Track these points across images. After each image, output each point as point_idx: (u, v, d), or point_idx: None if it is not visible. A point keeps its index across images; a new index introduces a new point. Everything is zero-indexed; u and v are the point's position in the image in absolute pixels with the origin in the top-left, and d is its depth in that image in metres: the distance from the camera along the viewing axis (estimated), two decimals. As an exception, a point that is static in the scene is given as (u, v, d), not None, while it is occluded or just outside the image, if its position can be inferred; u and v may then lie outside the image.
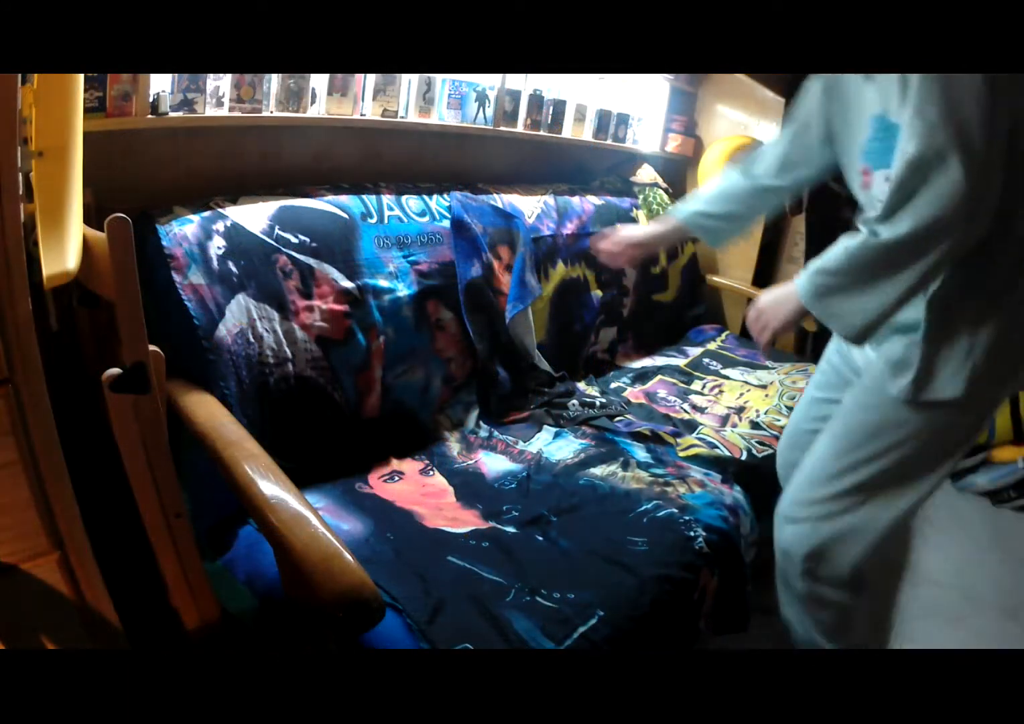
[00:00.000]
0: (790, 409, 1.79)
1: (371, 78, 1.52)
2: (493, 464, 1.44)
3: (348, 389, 1.35)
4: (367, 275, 1.40)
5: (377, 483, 1.32)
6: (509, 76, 1.79)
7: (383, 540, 1.13)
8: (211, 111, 1.30)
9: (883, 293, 0.94)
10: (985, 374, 1.00)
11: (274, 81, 1.37)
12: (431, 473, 1.38)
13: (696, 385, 1.97)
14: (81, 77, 0.81)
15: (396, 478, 1.35)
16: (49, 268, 0.71)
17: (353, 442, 1.36)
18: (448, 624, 0.95)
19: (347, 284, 1.35)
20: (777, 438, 1.66)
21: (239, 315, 1.20)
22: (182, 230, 1.18)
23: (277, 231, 1.29)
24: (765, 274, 2.58)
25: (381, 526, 1.16)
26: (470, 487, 1.35)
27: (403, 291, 1.45)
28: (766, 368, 2.13)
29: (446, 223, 1.60)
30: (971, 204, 0.86)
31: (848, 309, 0.98)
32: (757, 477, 1.48)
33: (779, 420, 1.76)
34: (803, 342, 2.57)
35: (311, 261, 1.32)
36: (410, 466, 1.40)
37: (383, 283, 1.42)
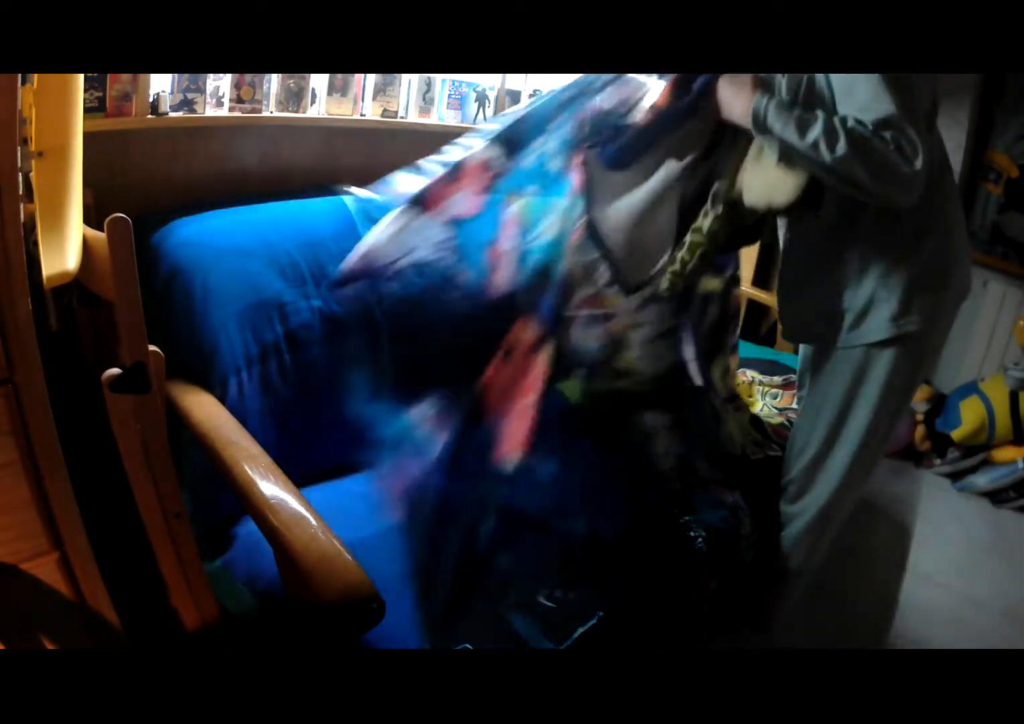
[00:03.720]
0: (779, 410, 1.79)
1: (371, 78, 1.52)
2: None
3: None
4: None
5: None
6: (509, 76, 1.79)
7: None
8: (211, 111, 1.30)
9: None
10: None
11: (274, 81, 1.37)
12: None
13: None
14: (81, 77, 0.82)
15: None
16: (49, 268, 0.71)
17: None
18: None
19: None
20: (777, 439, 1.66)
21: None
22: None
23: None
24: (765, 274, 2.58)
25: None
26: None
27: None
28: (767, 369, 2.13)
29: None
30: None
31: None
32: (757, 477, 1.48)
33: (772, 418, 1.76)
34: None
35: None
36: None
37: None
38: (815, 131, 1.00)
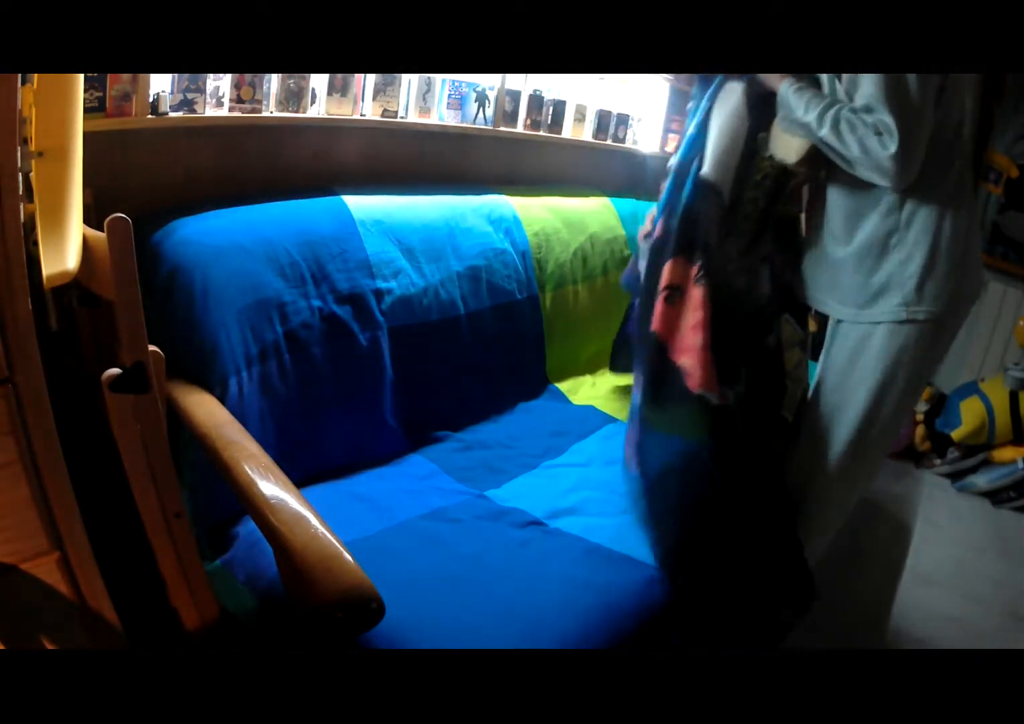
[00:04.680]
0: None
1: (371, 78, 1.52)
2: None
3: None
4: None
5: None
6: (509, 76, 1.80)
7: None
8: (211, 111, 1.30)
9: None
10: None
11: (274, 81, 1.37)
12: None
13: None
14: (81, 77, 0.81)
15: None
16: (49, 268, 0.71)
17: None
18: None
19: None
20: None
21: None
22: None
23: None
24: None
25: None
26: None
27: None
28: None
29: None
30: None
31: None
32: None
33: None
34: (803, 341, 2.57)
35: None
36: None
37: None
38: (813, 112, 1.15)
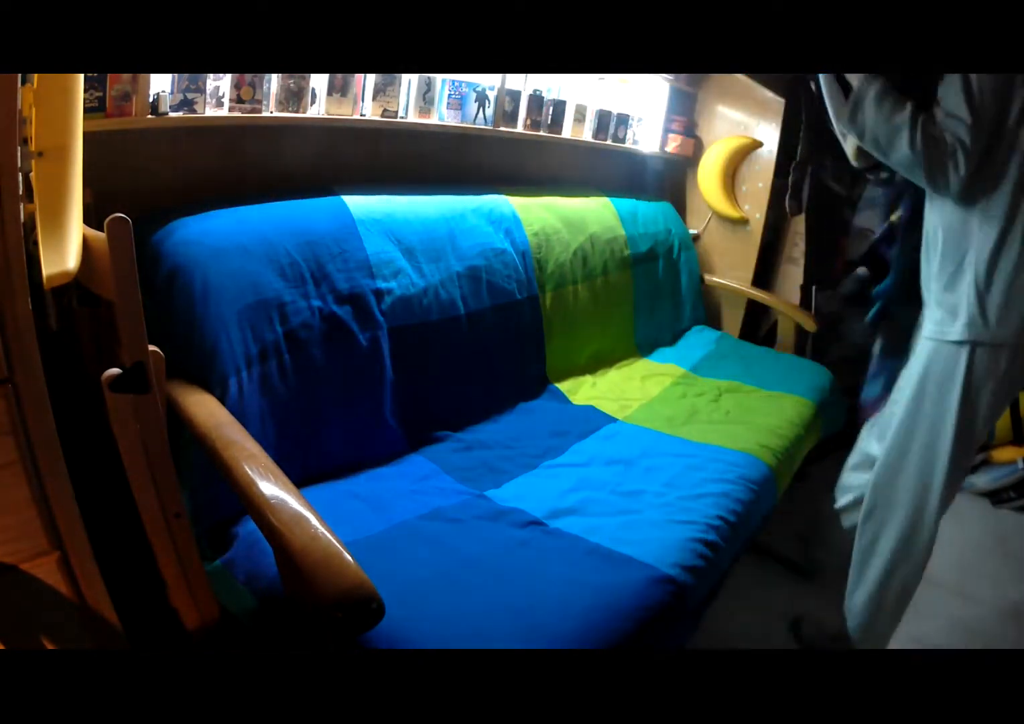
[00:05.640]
0: None
1: (371, 78, 1.52)
2: None
3: None
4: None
5: None
6: (509, 76, 1.79)
7: None
8: (211, 111, 1.29)
9: None
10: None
11: (274, 81, 1.37)
12: None
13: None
14: (81, 77, 0.81)
15: None
16: (49, 268, 0.71)
17: None
18: None
19: None
20: None
21: None
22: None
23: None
24: (765, 274, 2.58)
25: None
26: None
27: None
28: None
29: None
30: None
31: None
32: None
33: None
34: (803, 342, 2.57)
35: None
36: None
37: None
38: (896, 118, 1.16)
